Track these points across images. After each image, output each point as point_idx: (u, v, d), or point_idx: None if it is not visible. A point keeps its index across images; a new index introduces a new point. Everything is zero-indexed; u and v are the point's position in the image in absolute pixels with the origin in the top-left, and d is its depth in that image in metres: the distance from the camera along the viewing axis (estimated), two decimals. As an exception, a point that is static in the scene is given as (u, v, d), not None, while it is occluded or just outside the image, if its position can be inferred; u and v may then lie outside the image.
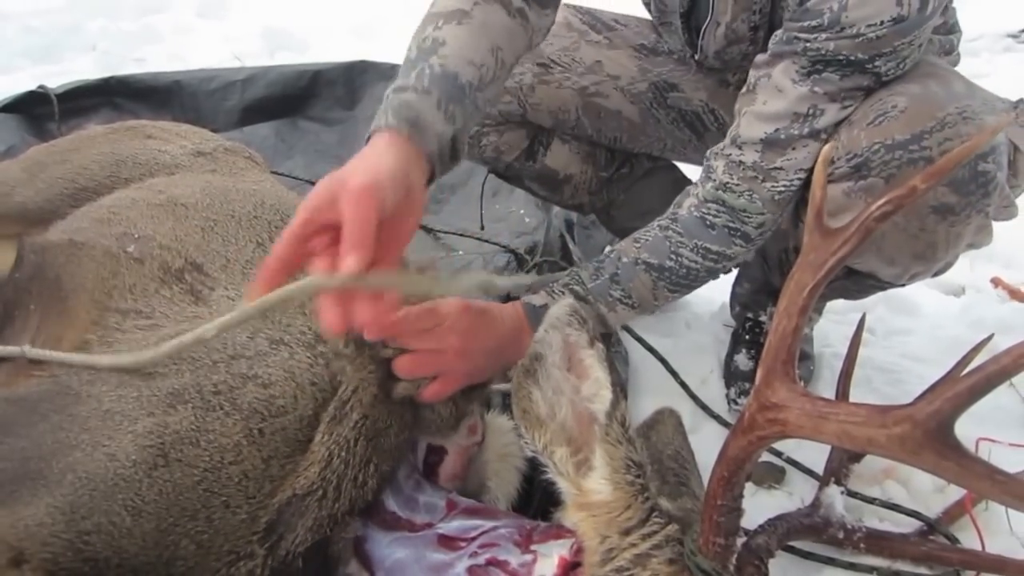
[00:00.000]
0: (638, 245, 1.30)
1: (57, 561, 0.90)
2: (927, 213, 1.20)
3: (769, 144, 1.25)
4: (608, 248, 1.34)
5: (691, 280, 1.31)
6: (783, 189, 1.26)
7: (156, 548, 0.93)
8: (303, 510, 0.99)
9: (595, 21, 1.71)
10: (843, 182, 1.22)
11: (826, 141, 1.23)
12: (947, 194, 1.18)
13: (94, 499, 0.91)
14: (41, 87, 2.82)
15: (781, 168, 1.25)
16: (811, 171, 1.24)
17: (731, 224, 1.28)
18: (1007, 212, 1.28)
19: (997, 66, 3.59)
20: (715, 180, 1.29)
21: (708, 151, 1.34)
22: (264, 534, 0.98)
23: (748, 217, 1.28)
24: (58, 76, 3.17)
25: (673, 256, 1.28)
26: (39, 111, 2.76)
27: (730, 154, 1.29)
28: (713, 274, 1.32)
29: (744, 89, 1.31)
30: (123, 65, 3.57)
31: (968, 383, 0.75)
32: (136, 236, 1.22)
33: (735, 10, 1.40)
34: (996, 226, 2.35)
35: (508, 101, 1.68)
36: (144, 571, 0.93)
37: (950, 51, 1.52)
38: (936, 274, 1.39)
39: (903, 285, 1.43)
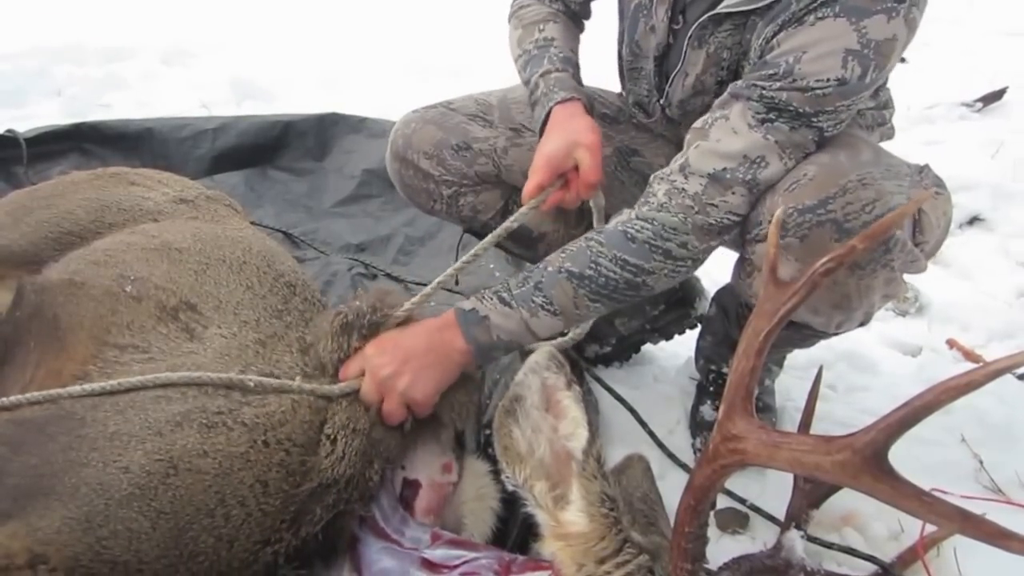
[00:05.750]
0: (563, 255, 1.38)
1: (78, 559, 0.95)
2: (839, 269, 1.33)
3: (715, 180, 1.35)
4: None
5: (610, 291, 1.37)
6: (714, 223, 1.36)
7: (176, 547, 0.99)
8: (322, 496, 1.11)
9: None
10: (766, 241, 1.33)
11: (756, 197, 1.36)
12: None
13: (110, 507, 0.97)
14: (10, 131, 2.80)
15: (716, 206, 1.36)
16: (739, 216, 1.37)
17: (653, 241, 1.36)
18: (915, 267, 1.40)
19: (951, 134, 3.64)
20: (652, 204, 1.38)
21: (653, 175, 1.43)
22: (291, 521, 1.08)
23: (675, 235, 1.36)
24: (23, 120, 3.12)
25: (592, 265, 1.35)
26: (6, 155, 2.74)
27: (675, 180, 1.38)
28: (634, 288, 1.38)
29: (698, 124, 1.41)
30: (89, 111, 3.56)
31: (898, 416, 0.86)
32: (132, 277, 1.26)
33: (706, 63, 1.50)
34: (953, 292, 2.51)
35: (484, 163, 1.76)
36: (166, 573, 0.99)
37: (882, 123, 1.67)
38: (861, 324, 1.51)
39: (835, 333, 1.54)
